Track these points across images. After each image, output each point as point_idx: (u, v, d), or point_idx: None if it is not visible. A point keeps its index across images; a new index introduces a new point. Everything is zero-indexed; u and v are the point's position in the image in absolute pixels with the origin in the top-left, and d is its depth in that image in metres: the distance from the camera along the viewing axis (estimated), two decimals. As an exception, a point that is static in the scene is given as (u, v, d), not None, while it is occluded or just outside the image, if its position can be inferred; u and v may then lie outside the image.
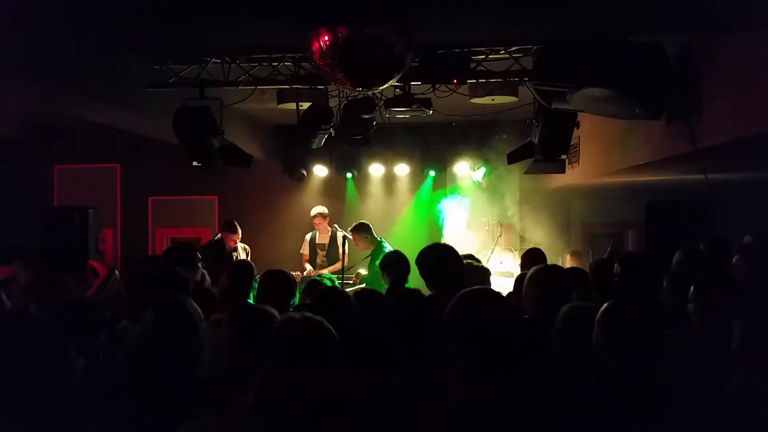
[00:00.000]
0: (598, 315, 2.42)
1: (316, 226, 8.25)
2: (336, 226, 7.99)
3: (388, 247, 6.92)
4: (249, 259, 7.17)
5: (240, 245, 7.59)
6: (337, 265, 7.69)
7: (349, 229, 7.50)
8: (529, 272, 3.37)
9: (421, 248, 3.84)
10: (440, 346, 2.04)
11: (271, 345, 2.01)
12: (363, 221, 7.53)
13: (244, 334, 2.39)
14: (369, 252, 7.18)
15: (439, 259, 3.63)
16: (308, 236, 8.35)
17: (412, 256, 4.56)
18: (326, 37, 3.65)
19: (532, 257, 5.14)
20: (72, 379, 2.03)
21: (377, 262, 5.40)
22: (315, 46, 3.75)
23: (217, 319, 3.13)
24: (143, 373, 2.54)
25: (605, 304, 2.45)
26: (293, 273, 7.18)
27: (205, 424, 1.95)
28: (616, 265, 3.92)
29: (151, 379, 2.48)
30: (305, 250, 8.32)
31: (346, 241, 7.35)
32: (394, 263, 4.66)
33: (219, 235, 7.56)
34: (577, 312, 2.66)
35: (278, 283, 3.53)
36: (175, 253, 4.44)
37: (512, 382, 1.95)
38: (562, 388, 2.42)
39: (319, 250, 8.26)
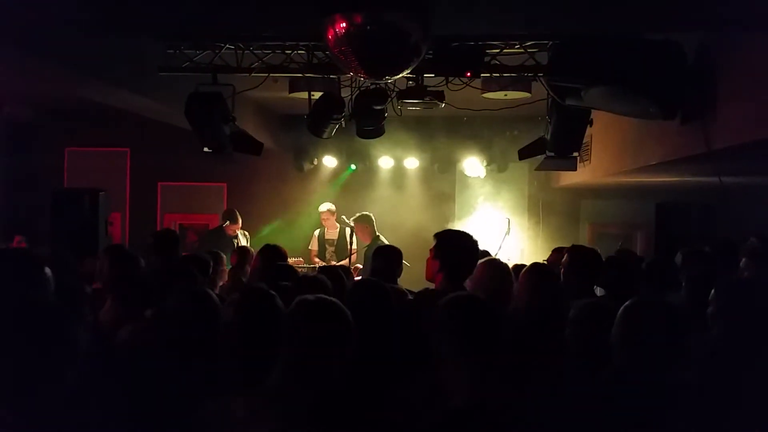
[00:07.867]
0: (621, 312, 2.32)
1: (324, 222, 8.24)
2: (344, 217, 7.98)
3: (384, 242, 6.95)
4: (248, 244, 7.21)
5: (239, 231, 7.64)
6: (347, 260, 7.69)
7: (352, 219, 7.50)
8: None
9: (426, 243, 3.73)
10: (435, 345, 2.04)
11: (289, 328, 2.02)
12: (367, 213, 7.54)
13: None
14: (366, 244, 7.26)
15: (462, 245, 3.56)
16: (316, 232, 8.34)
17: (418, 252, 4.51)
18: (342, 24, 3.62)
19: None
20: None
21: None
22: (330, 33, 3.73)
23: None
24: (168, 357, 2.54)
25: (628, 302, 2.33)
26: (295, 259, 7.29)
27: (231, 403, 1.96)
28: (643, 265, 3.94)
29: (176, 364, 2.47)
30: (314, 245, 8.32)
31: (355, 235, 7.37)
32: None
33: (227, 222, 7.60)
34: (592, 309, 2.63)
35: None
36: (163, 243, 4.79)
37: (514, 380, 1.94)
38: (570, 386, 2.38)
39: (327, 246, 8.26)
